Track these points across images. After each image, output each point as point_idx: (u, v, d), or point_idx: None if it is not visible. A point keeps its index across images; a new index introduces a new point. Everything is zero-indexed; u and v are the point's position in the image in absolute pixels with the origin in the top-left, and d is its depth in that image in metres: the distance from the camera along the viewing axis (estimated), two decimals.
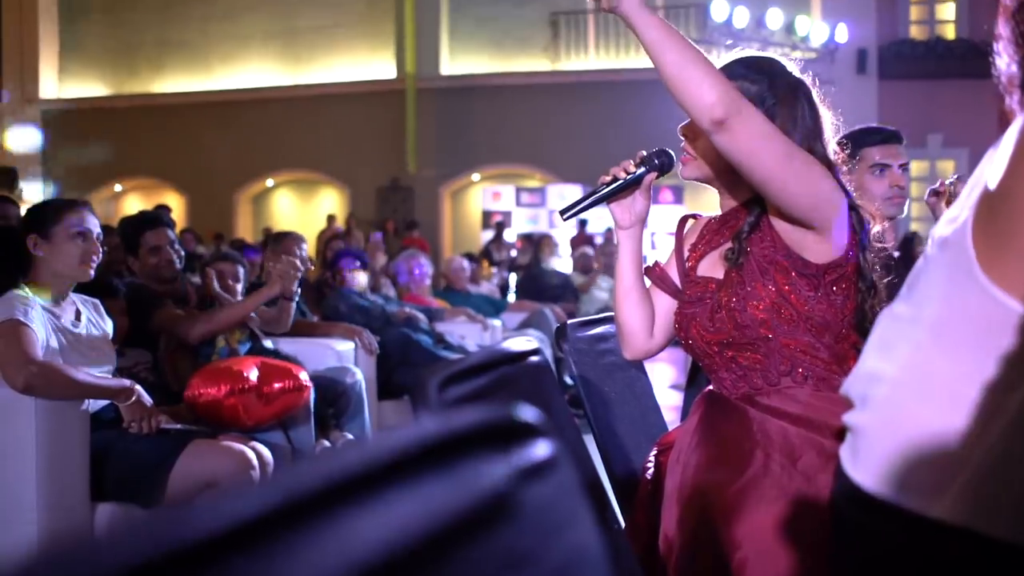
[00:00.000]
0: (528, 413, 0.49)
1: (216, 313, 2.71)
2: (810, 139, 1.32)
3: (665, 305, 1.48)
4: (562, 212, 1.41)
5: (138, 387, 2.14)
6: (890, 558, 0.80)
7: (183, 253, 2.87)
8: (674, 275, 1.48)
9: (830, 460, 1.04)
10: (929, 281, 0.78)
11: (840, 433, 0.91)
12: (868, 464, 0.81)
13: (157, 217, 2.89)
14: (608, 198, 1.42)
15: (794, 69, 1.38)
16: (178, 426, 2.25)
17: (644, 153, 1.43)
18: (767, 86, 1.33)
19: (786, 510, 1.09)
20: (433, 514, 0.39)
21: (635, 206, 1.44)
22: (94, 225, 2.19)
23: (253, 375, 2.31)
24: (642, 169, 1.41)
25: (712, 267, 1.40)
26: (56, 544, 0.28)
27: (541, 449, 0.49)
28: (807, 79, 1.38)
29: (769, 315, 1.26)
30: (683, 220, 1.55)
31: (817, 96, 1.37)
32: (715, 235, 1.43)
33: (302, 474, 0.37)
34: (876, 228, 1.35)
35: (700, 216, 1.54)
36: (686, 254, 1.47)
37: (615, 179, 1.40)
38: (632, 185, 1.42)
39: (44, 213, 2.18)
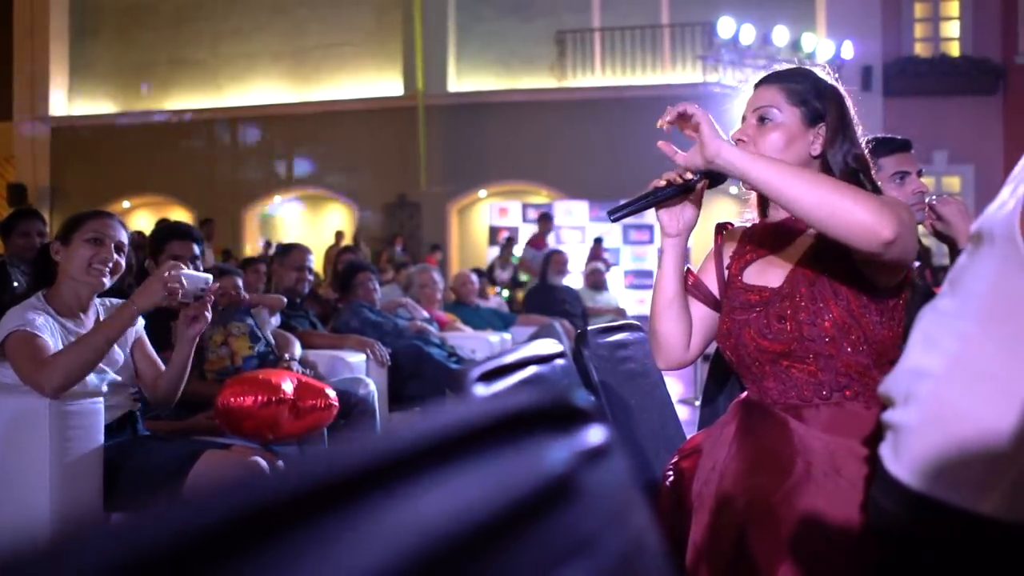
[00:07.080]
0: (583, 398, 0.48)
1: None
2: (865, 165, 1.38)
3: (700, 314, 1.46)
4: (611, 212, 1.37)
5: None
6: (936, 554, 0.79)
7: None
8: (710, 284, 1.47)
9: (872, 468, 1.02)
10: (976, 275, 0.77)
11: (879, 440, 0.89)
12: (912, 460, 0.79)
13: (188, 230, 2.88)
14: (658, 202, 1.39)
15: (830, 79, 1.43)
16: (206, 437, 2.24)
17: None
18: (835, 108, 1.40)
19: (834, 515, 1.07)
20: (499, 491, 0.37)
21: (684, 213, 1.42)
22: (116, 233, 2.16)
23: (288, 388, 2.29)
24: (697, 175, 1.37)
25: (762, 275, 1.38)
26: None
27: (597, 434, 0.48)
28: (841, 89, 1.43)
29: (838, 333, 1.25)
30: (719, 228, 1.53)
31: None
32: (766, 242, 1.41)
33: (364, 447, 0.36)
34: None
35: (732, 225, 1.53)
36: (727, 262, 1.46)
37: (669, 184, 1.36)
38: (684, 192, 1.39)
39: (71, 222, 2.19)
